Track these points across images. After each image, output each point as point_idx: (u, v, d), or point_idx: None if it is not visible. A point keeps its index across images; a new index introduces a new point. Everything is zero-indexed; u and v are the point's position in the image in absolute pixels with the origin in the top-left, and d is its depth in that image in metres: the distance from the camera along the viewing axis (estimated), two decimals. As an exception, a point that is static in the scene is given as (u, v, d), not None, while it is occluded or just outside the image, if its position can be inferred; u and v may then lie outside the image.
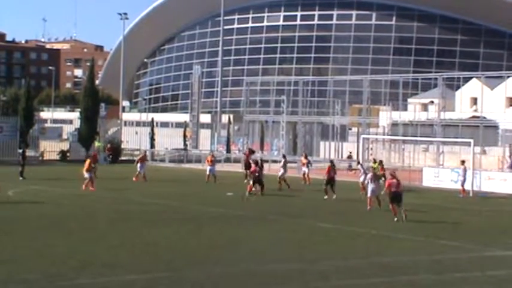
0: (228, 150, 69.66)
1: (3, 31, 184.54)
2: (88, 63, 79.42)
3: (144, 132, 75.96)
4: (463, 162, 40.04)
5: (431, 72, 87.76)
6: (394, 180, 27.41)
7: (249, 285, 16.02)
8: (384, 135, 61.72)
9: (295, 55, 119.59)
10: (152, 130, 73.21)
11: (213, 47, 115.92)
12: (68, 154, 63.53)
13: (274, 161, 54.08)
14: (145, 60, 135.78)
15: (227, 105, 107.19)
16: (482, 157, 50.29)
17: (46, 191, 35.76)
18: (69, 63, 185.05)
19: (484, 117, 57.10)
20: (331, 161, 37.02)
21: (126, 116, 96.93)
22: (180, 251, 19.62)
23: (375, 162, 41.16)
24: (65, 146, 66.73)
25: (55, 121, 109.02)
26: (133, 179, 42.11)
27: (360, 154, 49.46)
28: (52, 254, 18.70)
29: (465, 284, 16.69)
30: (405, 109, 70.52)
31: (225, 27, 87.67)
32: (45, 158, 62.46)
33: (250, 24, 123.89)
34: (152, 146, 71.41)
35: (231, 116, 79.44)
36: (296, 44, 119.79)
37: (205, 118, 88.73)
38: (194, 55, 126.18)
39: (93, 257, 18.28)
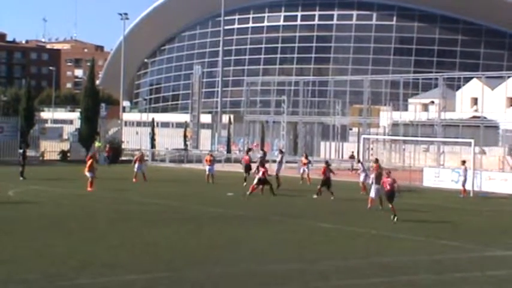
0: (229, 151, 69.66)
1: (3, 31, 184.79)
2: (88, 64, 79.48)
3: (145, 133, 75.97)
4: (463, 162, 40.03)
5: (431, 72, 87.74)
6: (389, 179, 27.53)
7: (249, 285, 16.01)
8: (384, 135, 61.71)
9: (295, 55, 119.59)
10: (153, 130, 73.21)
11: (214, 47, 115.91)
12: (68, 154, 63.53)
13: (274, 161, 54.00)
14: (145, 60, 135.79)
15: (227, 105, 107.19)
16: (483, 157, 50.31)
17: (46, 191, 35.76)
18: (69, 64, 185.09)
19: (485, 118, 57.12)
20: (327, 162, 36.93)
21: (126, 116, 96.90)
22: (180, 251, 19.61)
23: (377, 161, 41.17)
24: (65, 146, 66.72)
25: (55, 121, 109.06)
26: (133, 179, 42.06)
27: (361, 154, 49.40)
28: (52, 254, 18.69)
29: (465, 284, 16.68)
30: (406, 109, 70.51)
31: (226, 27, 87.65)
32: (45, 158, 62.46)
33: (250, 25, 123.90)
34: (153, 146, 71.40)
35: (232, 116, 79.43)
36: (296, 44, 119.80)
37: (206, 118, 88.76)
38: (195, 55, 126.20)
39: (93, 257, 18.27)
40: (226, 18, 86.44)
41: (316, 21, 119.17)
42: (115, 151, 63.31)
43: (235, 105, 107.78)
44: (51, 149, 65.10)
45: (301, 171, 44.11)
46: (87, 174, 36.49)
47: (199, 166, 56.38)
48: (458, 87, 73.81)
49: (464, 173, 38.89)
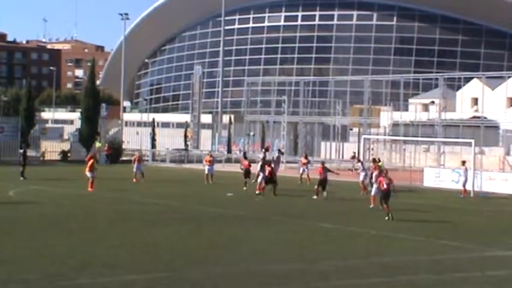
0: (229, 151, 69.67)
1: (4, 31, 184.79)
2: (89, 64, 79.49)
3: (145, 133, 76.01)
4: (463, 162, 40.02)
5: (432, 72, 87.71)
6: (385, 178, 27.73)
7: (249, 285, 16.02)
8: (385, 135, 61.71)
9: (296, 55, 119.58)
10: (153, 130, 73.25)
11: (214, 47, 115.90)
12: (68, 154, 63.56)
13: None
14: (146, 60, 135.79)
15: (228, 105, 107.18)
16: (483, 157, 50.32)
17: (47, 191, 35.77)
18: (70, 64, 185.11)
19: (485, 118, 57.16)
20: (323, 162, 37.02)
21: (127, 117, 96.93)
22: (180, 251, 19.62)
23: (379, 160, 41.22)
24: (65, 146, 66.78)
25: (56, 121, 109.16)
26: (134, 180, 42.04)
27: (361, 154, 49.41)
28: (52, 254, 18.70)
29: (465, 284, 16.68)
30: (406, 109, 70.49)
31: (226, 27, 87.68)
32: (46, 158, 62.48)
33: (251, 25, 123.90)
34: (153, 146, 71.44)
35: (232, 116, 79.45)
36: (297, 44, 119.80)
37: (206, 118, 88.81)
38: (195, 55, 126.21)
39: (93, 257, 18.28)
40: (226, 18, 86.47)
41: (316, 22, 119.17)
42: (115, 151, 63.35)
43: (235, 105, 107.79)
44: (51, 149, 65.15)
45: (301, 171, 44.15)
46: (88, 174, 36.48)
47: (199, 166, 56.37)
48: (459, 88, 73.81)
49: (465, 173, 38.89)
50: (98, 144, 62.67)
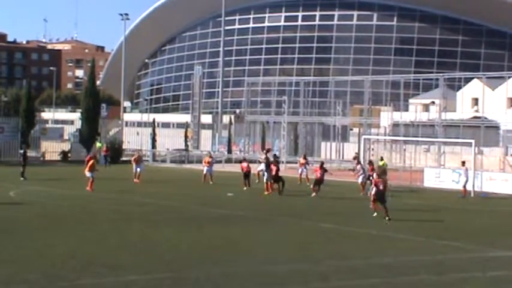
0: (229, 151, 69.65)
1: (4, 32, 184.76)
2: (89, 64, 79.45)
3: (146, 133, 75.99)
4: (463, 163, 39.95)
5: (432, 72, 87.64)
6: (381, 179, 27.94)
7: (250, 285, 16.01)
8: (385, 135, 61.66)
9: (296, 55, 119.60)
10: (153, 131, 73.23)
11: (214, 47, 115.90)
12: (69, 155, 63.53)
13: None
14: (146, 60, 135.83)
15: (228, 105, 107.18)
16: (483, 157, 50.28)
17: (47, 192, 35.76)
18: (70, 64, 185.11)
19: (485, 118, 57.13)
20: (322, 163, 37.34)
21: (127, 117, 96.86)
22: (181, 252, 19.61)
23: (382, 159, 41.22)
24: (66, 146, 66.74)
25: (56, 122, 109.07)
26: (134, 180, 41.98)
27: (361, 155, 49.38)
28: (53, 254, 18.69)
29: (466, 285, 16.66)
30: (406, 109, 70.44)
31: (226, 27, 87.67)
32: (46, 159, 62.47)
33: (251, 25, 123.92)
34: (153, 146, 71.40)
35: (232, 117, 79.44)
36: (297, 45, 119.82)
37: (207, 119, 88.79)
38: (195, 56, 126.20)
39: (93, 258, 18.27)
40: (226, 18, 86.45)
41: (316, 22, 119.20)
42: (115, 151, 63.31)
43: (235, 105, 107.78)
44: (51, 149, 65.12)
45: (299, 171, 44.19)
46: (87, 174, 36.42)
47: (200, 166, 56.29)
48: (459, 88, 73.78)
49: (466, 174, 38.83)
50: (98, 145, 62.62)
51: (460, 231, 25.43)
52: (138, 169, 42.58)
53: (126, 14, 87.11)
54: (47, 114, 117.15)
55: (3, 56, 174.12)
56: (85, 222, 24.90)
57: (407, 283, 16.61)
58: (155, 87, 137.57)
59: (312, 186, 35.29)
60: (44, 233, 22.46)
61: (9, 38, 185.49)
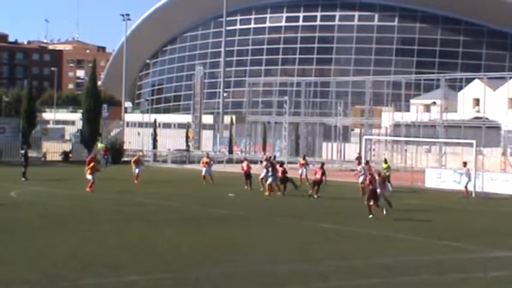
0: (231, 151, 69.66)
1: (5, 32, 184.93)
2: (90, 64, 79.47)
3: (147, 133, 76.01)
4: (465, 163, 39.89)
5: (433, 73, 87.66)
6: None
7: (250, 285, 16.02)
8: (386, 136, 61.67)
9: (297, 56, 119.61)
10: (155, 131, 73.24)
11: (216, 48, 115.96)
12: (70, 155, 63.54)
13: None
14: (147, 61, 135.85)
15: (229, 106, 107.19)
16: (485, 158, 50.28)
17: (48, 192, 35.78)
18: (71, 64, 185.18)
19: (487, 118, 57.14)
20: (322, 163, 37.60)
21: (128, 117, 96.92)
22: (182, 252, 19.63)
23: (386, 162, 41.21)
24: (67, 147, 66.76)
25: (57, 122, 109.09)
26: (135, 181, 41.93)
27: (363, 155, 49.38)
28: (54, 254, 18.72)
29: (467, 285, 16.67)
30: (407, 110, 70.43)
31: (228, 28, 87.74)
32: (47, 159, 62.49)
33: (252, 25, 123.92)
34: (155, 147, 71.41)
35: (234, 117, 79.46)
36: (298, 45, 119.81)
37: (208, 119, 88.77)
38: (196, 56, 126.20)
39: (94, 258, 18.29)
40: (228, 19, 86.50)
41: (318, 22, 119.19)
42: (117, 152, 63.33)
43: (237, 106, 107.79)
44: (53, 149, 65.15)
45: (299, 172, 44.22)
46: (89, 177, 36.18)
47: (201, 167, 56.41)
48: (460, 88, 73.78)
49: (468, 174, 38.75)
50: (99, 145, 62.62)
51: (460, 231, 25.43)
52: (137, 170, 42.52)
53: (128, 15, 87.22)
54: (48, 115, 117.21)
55: (4, 56, 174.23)
56: (86, 223, 24.92)
57: (408, 283, 16.62)
58: (156, 87, 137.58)
59: (311, 187, 35.37)
60: (45, 233, 22.49)
61: (11, 39, 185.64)
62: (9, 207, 29.27)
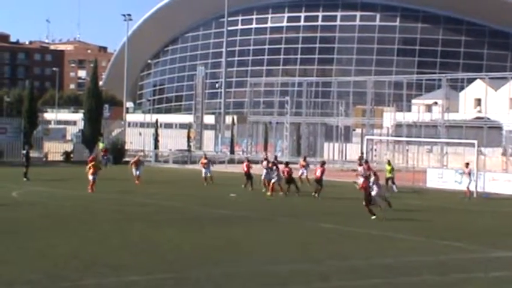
0: (232, 151, 69.64)
1: (7, 32, 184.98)
2: (92, 65, 79.48)
3: (148, 133, 75.95)
4: (467, 164, 39.80)
5: (435, 73, 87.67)
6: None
7: (251, 285, 16.02)
8: (387, 136, 61.67)
9: (299, 56, 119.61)
10: (156, 131, 73.20)
11: (217, 48, 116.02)
12: (71, 155, 63.55)
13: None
14: (149, 61, 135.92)
15: (231, 106, 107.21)
16: (487, 158, 50.25)
17: (49, 192, 35.79)
18: (73, 65, 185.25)
19: (488, 118, 57.10)
20: (323, 162, 38.20)
21: (130, 117, 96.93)
22: (183, 252, 19.63)
23: (389, 164, 41.15)
24: (68, 147, 66.77)
25: (59, 122, 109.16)
26: (136, 182, 41.87)
27: (364, 156, 49.36)
28: (55, 254, 18.72)
29: (468, 285, 16.65)
30: (409, 110, 70.46)
31: (229, 28, 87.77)
32: (48, 159, 62.50)
33: (254, 26, 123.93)
34: (156, 147, 71.38)
35: (235, 117, 79.46)
36: (300, 45, 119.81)
37: (209, 119, 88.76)
38: (198, 56, 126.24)
39: (96, 258, 18.30)
40: (229, 19, 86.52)
41: (319, 22, 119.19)
42: (118, 152, 63.32)
43: (238, 106, 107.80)
44: (54, 150, 65.16)
45: (300, 173, 44.22)
46: (90, 177, 36.12)
47: (200, 167, 56.36)
48: (462, 88, 73.78)
49: (471, 175, 38.65)
50: (101, 145, 62.60)
51: (462, 231, 25.41)
52: (137, 172, 42.46)
53: (129, 15, 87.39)
54: (50, 115, 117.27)
55: (6, 56, 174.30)
56: (87, 223, 24.92)
57: (409, 283, 16.60)
58: (158, 87, 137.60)
59: (314, 192, 35.58)
60: (47, 233, 22.49)
61: (12, 39, 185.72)
62: (10, 207, 29.29)
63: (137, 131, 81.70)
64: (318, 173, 35.86)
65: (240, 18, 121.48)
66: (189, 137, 74.50)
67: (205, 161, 43.39)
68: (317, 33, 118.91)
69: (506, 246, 22.24)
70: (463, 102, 69.96)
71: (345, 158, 62.92)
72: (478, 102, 72.83)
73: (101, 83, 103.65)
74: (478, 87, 70.47)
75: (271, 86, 79.25)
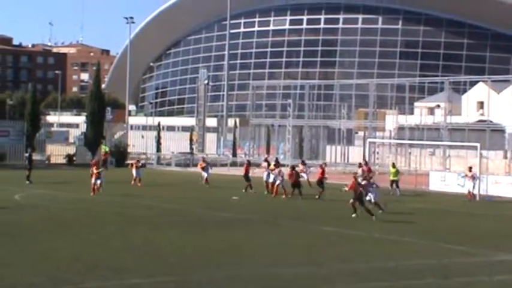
0: (234, 154, 69.60)
1: (10, 35, 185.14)
2: (94, 67, 79.53)
3: (151, 136, 75.97)
4: (470, 168, 39.71)
5: (437, 76, 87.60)
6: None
7: (254, 289, 15.99)
8: (390, 139, 61.61)
9: (301, 59, 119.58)
10: (158, 134, 73.16)
11: (219, 51, 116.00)
12: (74, 158, 63.58)
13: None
14: (151, 64, 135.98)
15: (233, 109, 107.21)
16: (489, 161, 50.16)
17: (52, 195, 35.79)
18: (75, 67, 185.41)
19: (491, 121, 57.02)
20: (324, 164, 38.45)
21: (132, 120, 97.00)
22: (185, 255, 19.61)
23: (394, 166, 41.08)
24: (71, 149, 66.80)
25: (61, 125, 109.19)
26: (138, 184, 41.86)
27: (367, 158, 49.35)
28: (57, 257, 18.71)
29: (471, 289, 16.61)
30: (411, 113, 70.43)
31: (231, 31, 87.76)
32: (51, 162, 62.53)
33: (256, 28, 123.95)
34: (158, 149, 71.37)
35: (237, 120, 79.45)
36: (302, 48, 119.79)
37: (212, 122, 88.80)
38: (200, 59, 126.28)
39: (98, 261, 18.28)
40: (232, 22, 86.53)
41: (321, 25, 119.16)
42: (120, 154, 63.34)
43: (240, 109, 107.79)
44: (57, 152, 65.20)
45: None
46: (93, 181, 36.06)
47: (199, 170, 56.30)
48: (464, 91, 73.64)
49: (474, 179, 38.56)
50: (103, 148, 62.59)
51: (465, 234, 25.36)
52: (137, 174, 42.46)
53: (131, 18, 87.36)
54: (52, 118, 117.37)
55: (8, 59, 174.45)
56: (89, 225, 24.91)
57: (412, 287, 16.56)
58: (160, 90, 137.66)
59: (317, 195, 35.65)
60: (49, 236, 22.48)
61: (15, 42, 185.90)
62: (13, 210, 29.29)
63: (139, 134, 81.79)
64: (320, 175, 35.99)
65: (242, 21, 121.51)
66: (191, 140, 74.50)
67: (203, 164, 43.74)
68: (319, 36, 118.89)
69: (509, 249, 22.19)
70: (466, 105, 69.78)
71: (347, 161, 62.86)
72: (481, 105, 72.70)
73: (103, 85, 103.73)
74: (481, 90, 70.36)
75: (273, 89, 79.15)
